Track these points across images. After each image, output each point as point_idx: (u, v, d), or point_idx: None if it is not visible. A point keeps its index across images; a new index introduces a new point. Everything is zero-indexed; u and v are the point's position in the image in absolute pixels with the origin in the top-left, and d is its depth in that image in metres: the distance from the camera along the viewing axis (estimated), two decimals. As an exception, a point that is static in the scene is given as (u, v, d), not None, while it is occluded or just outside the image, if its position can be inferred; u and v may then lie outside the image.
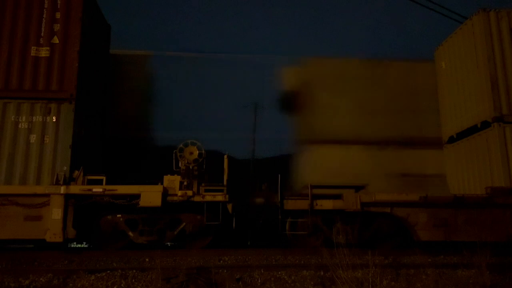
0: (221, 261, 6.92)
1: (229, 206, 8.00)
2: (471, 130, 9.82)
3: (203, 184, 8.00)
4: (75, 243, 9.28)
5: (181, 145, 8.05)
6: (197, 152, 8.03)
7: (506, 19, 9.55)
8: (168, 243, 8.56)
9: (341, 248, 5.57)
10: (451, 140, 10.79)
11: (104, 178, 7.81)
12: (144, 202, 7.72)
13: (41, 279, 5.72)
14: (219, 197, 7.93)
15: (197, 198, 7.89)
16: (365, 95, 11.34)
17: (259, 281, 5.81)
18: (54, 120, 7.91)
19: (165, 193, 7.81)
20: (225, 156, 8.27)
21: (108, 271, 5.92)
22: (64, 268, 6.37)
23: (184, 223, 8.17)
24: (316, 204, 8.22)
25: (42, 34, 8.24)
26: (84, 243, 9.36)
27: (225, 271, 6.05)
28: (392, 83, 11.54)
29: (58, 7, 8.37)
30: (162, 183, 7.87)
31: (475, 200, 8.35)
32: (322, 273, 5.94)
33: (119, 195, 7.77)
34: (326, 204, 8.25)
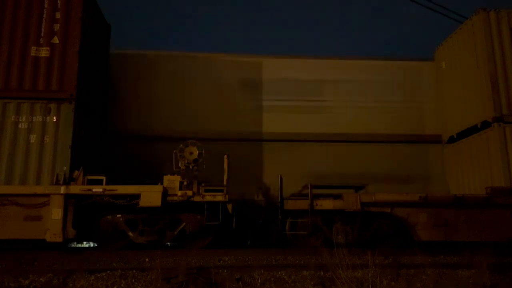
0: (221, 261, 6.91)
1: (229, 206, 8.00)
2: (471, 130, 9.82)
3: (203, 184, 8.01)
4: (75, 243, 9.28)
5: (181, 145, 8.05)
6: (197, 152, 8.03)
7: (506, 19, 9.56)
8: (168, 243, 8.56)
9: (341, 248, 5.57)
10: (451, 140, 10.79)
11: (104, 178, 7.81)
12: (144, 202, 7.72)
13: (41, 279, 5.71)
14: (219, 197, 7.93)
15: (197, 198, 7.89)
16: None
17: (259, 281, 5.81)
18: (54, 120, 7.91)
19: (165, 193, 7.82)
20: (225, 156, 8.28)
21: (108, 271, 5.92)
22: (64, 268, 6.36)
23: (184, 223, 8.17)
24: (316, 204, 8.22)
25: (42, 34, 8.23)
26: (85, 242, 9.36)
27: (225, 271, 6.04)
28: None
29: (58, 7, 8.36)
30: (162, 183, 7.88)
31: (475, 200, 8.35)
32: (322, 273, 5.93)
33: (119, 195, 7.78)
34: (326, 204, 8.25)
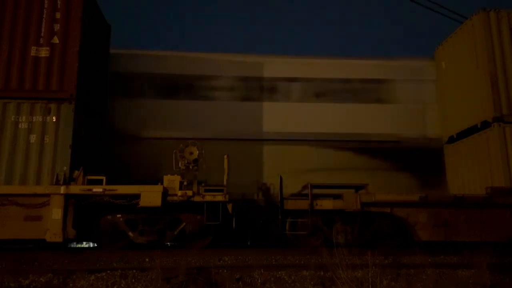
0: (221, 261, 6.92)
1: (229, 206, 8.00)
2: (471, 130, 9.82)
3: (203, 184, 8.01)
4: (75, 243, 9.28)
5: (181, 145, 8.05)
6: (197, 152, 8.03)
7: (506, 19, 9.56)
8: (168, 243, 8.56)
9: (341, 248, 5.57)
10: (451, 140, 10.79)
11: (104, 178, 7.81)
12: (144, 202, 7.72)
13: (41, 279, 5.71)
14: (219, 197, 7.93)
15: (197, 198, 7.89)
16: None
17: (259, 281, 5.81)
18: (54, 120, 7.91)
19: (165, 193, 7.81)
20: (225, 156, 8.27)
21: (108, 271, 5.92)
22: (64, 268, 6.36)
23: (184, 223, 8.17)
24: (316, 204, 8.22)
25: (42, 34, 8.24)
26: (85, 242, 9.35)
27: (225, 271, 6.05)
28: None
29: (58, 7, 8.37)
30: (162, 183, 7.88)
31: (475, 200, 8.35)
32: (322, 273, 5.93)
33: (119, 195, 7.77)
34: (326, 204, 8.24)
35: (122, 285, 5.61)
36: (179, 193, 7.84)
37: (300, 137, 10.92)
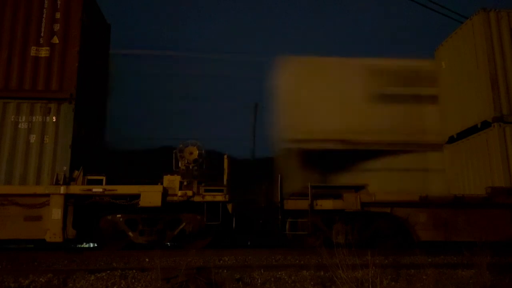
0: (221, 261, 6.92)
1: (229, 206, 8.00)
2: (471, 130, 9.81)
3: (203, 184, 8.00)
4: (75, 243, 9.26)
5: (181, 145, 8.05)
6: (197, 152, 8.03)
7: (506, 19, 9.55)
8: (168, 243, 8.56)
9: (341, 248, 5.56)
10: (451, 140, 10.78)
11: (104, 178, 7.81)
12: (144, 202, 7.72)
13: (41, 279, 5.70)
14: (219, 197, 7.93)
15: (197, 198, 7.89)
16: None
17: (259, 281, 5.80)
18: (54, 120, 7.91)
19: (165, 193, 7.82)
20: (225, 156, 8.27)
21: (108, 271, 5.92)
22: (64, 268, 6.37)
23: (184, 223, 8.16)
24: (316, 204, 8.22)
25: (42, 34, 8.24)
26: (84, 243, 9.35)
27: (225, 271, 6.04)
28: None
29: (58, 7, 8.37)
30: (162, 183, 7.87)
31: (475, 200, 8.35)
32: (322, 273, 5.93)
33: (119, 195, 7.77)
34: (326, 204, 8.24)
35: (122, 285, 5.60)
36: (179, 193, 7.84)
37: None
